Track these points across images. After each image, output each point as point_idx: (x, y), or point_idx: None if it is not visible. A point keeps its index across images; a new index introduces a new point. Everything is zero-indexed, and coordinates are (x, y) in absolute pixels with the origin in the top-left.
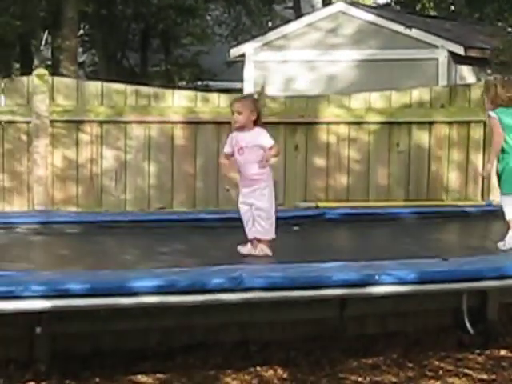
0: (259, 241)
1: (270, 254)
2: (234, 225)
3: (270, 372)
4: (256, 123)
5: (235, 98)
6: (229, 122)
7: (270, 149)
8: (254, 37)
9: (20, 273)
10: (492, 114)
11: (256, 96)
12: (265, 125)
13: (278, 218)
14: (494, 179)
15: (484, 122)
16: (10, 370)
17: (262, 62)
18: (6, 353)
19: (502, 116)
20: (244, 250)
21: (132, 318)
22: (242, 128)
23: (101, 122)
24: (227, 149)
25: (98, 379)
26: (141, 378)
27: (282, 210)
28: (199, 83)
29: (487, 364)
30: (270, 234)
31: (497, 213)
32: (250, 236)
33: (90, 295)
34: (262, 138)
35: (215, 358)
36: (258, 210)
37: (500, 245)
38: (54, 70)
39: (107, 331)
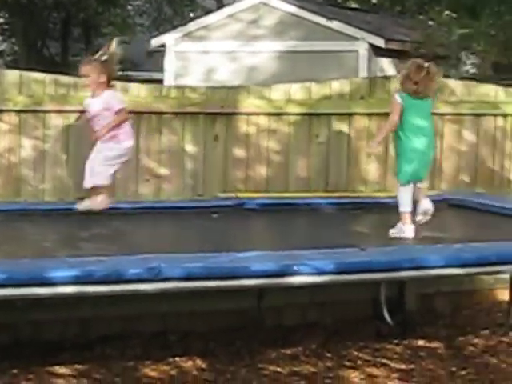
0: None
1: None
2: (150, 213)
3: (189, 363)
4: (107, 86)
5: (84, 61)
6: (149, 112)
7: (117, 113)
8: (175, 27)
9: None
10: (397, 97)
11: (105, 57)
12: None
13: (197, 207)
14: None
15: None
16: None
17: (182, 53)
18: None
19: (406, 105)
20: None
21: (50, 309)
22: (93, 92)
23: (19, 112)
24: (87, 115)
25: (15, 370)
26: (59, 369)
27: (202, 200)
28: (120, 73)
29: (405, 354)
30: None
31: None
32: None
33: (5, 285)
34: (111, 101)
35: (134, 348)
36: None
37: (390, 232)
38: None
39: (25, 322)
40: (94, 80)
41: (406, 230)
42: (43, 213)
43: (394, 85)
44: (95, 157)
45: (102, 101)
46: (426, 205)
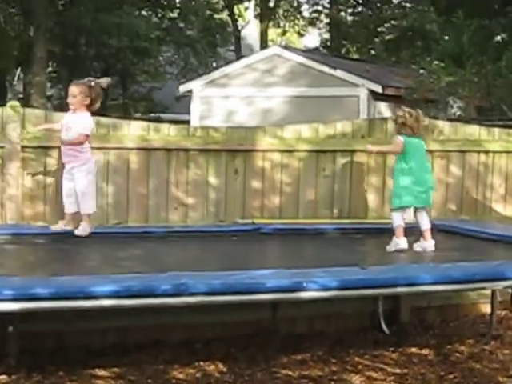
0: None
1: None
2: (178, 236)
3: (212, 366)
4: (88, 108)
5: (73, 82)
6: (178, 149)
7: (79, 135)
8: (200, 75)
9: None
10: (399, 137)
11: (92, 83)
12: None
13: (219, 232)
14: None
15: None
16: None
17: (206, 98)
18: None
19: (406, 142)
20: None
21: (92, 319)
22: (74, 110)
23: None
24: (58, 125)
25: (61, 373)
26: (99, 371)
27: (223, 225)
28: (152, 115)
29: (400, 360)
30: (92, 209)
31: (407, 229)
32: (71, 210)
33: (55, 298)
34: (82, 122)
35: (164, 354)
36: (79, 190)
37: (387, 248)
38: (26, 103)
39: (70, 330)
40: (79, 100)
41: (400, 242)
42: (86, 237)
43: (391, 125)
44: (81, 184)
45: (78, 119)
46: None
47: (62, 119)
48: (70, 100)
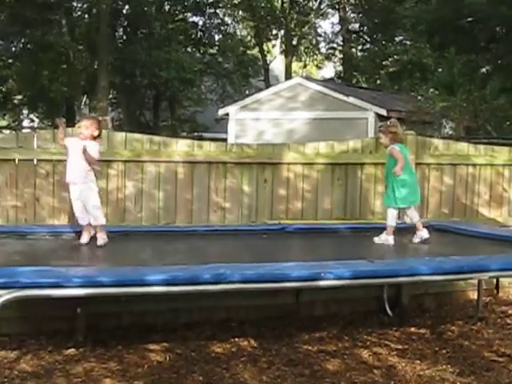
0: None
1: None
2: (217, 234)
3: (245, 342)
4: (95, 138)
5: (85, 116)
6: (217, 162)
7: (92, 157)
8: (235, 101)
9: (66, 268)
10: (396, 146)
11: (100, 119)
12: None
13: (251, 230)
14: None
15: None
16: (58, 339)
17: (240, 120)
18: (55, 327)
19: (401, 149)
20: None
21: (146, 302)
22: (84, 138)
23: (124, 161)
24: (67, 141)
25: (120, 347)
26: (151, 346)
27: (254, 225)
28: (195, 134)
29: (401, 338)
30: (103, 220)
31: (408, 228)
32: (86, 222)
33: (116, 285)
34: (93, 147)
35: (206, 332)
36: (89, 205)
37: (375, 239)
38: None
39: (127, 312)
40: (90, 133)
41: (389, 238)
42: (141, 234)
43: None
44: (87, 199)
45: (92, 146)
46: (425, 234)
47: (68, 141)
48: (82, 130)
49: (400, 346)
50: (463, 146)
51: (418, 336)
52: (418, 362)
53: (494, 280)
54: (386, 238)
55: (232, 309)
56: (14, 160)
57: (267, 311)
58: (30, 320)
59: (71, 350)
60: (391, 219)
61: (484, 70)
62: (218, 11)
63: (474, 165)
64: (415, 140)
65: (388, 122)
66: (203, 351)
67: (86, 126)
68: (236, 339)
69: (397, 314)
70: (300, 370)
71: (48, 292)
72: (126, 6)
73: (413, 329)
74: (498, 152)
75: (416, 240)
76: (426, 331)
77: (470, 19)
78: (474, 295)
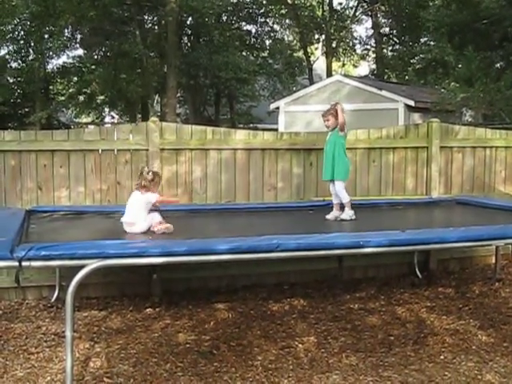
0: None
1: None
2: (271, 210)
3: (296, 302)
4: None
5: (150, 170)
6: (270, 149)
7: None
8: (284, 96)
9: (144, 241)
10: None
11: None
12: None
13: (300, 207)
14: (435, 182)
15: (427, 147)
16: (137, 301)
17: (290, 112)
18: (135, 290)
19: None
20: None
21: (210, 269)
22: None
23: (191, 150)
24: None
25: (190, 306)
26: (216, 305)
27: (303, 202)
28: (251, 125)
29: (430, 296)
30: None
31: (435, 202)
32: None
33: (186, 254)
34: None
35: (262, 293)
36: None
37: (343, 216)
38: (162, 118)
39: (196, 277)
40: (154, 191)
41: (352, 213)
42: (207, 211)
43: (421, 129)
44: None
45: (146, 197)
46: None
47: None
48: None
49: (429, 304)
50: (482, 131)
51: (444, 295)
52: (445, 317)
53: (510, 246)
54: (352, 213)
55: (283, 274)
56: (97, 150)
57: (314, 275)
58: (114, 285)
59: (149, 310)
60: (346, 194)
61: (498, 65)
62: (268, 20)
63: (491, 147)
64: (439, 127)
65: (338, 106)
66: (260, 310)
67: (149, 189)
68: (288, 299)
69: (425, 276)
70: (343, 325)
71: (128, 261)
72: (190, 18)
73: (440, 289)
74: None
75: (343, 216)
76: (451, 291)
77: (485, 21)
78: (492, 260)
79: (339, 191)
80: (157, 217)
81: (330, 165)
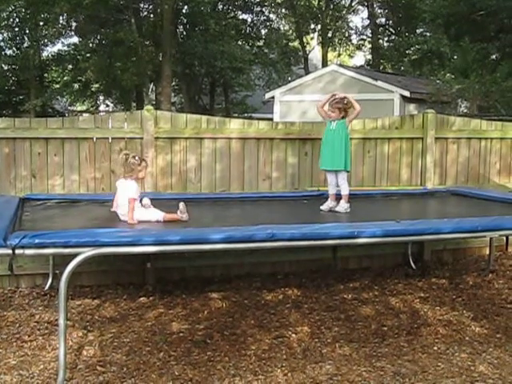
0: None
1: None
2: (266, 199)
3: (290, 291)
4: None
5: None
6: (265, 138)
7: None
8: (280, 86)
9: (138, 229)
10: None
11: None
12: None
13: (294, 196)
14: (430, 173)
15: (422, 138)
16: (131, 289)
17: (285, 102)
18: (129, 279)
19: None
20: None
21: (205, 258)
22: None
23: (186, 139)
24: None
25: (184, 296)
26: (210, 294)
27: (297, 192)
28: (246, 114)
29: (423, 287)
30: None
31: (429, 193)
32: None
33: (180, 243)
34: (131, 189)
35: (256, 283)
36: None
37: (338, 208)
38: (157, 107)
39: (190, 266)
40: (135, 177)
41: (348, 206)
42: (201, 200)
43: (417, 120)
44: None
45: (128, 187)
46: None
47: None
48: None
49: (422, 295)
50: (477, 123)
51: (438, 286)
52: (438, 308)
53: (504, 238)
54: (348, 206)
55: (278, 263)
56: (92, 138)
57: (308, 265)
58: (107, 273)
59: (143, 299)
60: (347, 186)
61: (494, 56)
62: (263, 9)
63: (486, 138)
64: (435, 117)
65: (345, 101)
66: (254, 299)
67: (130, 172)
68: (282, 289)
69: (419, 267)
70: (337, 315)
71: (122, 250)
72: (186, 7)
73: (433, 280)
74: (508, 127)
75: (338, 208)
76: (444, 282)
77: (481, 12)
78: (486, 251)
79: (342, 182)
80: (158, 213)
81: (335, 154)
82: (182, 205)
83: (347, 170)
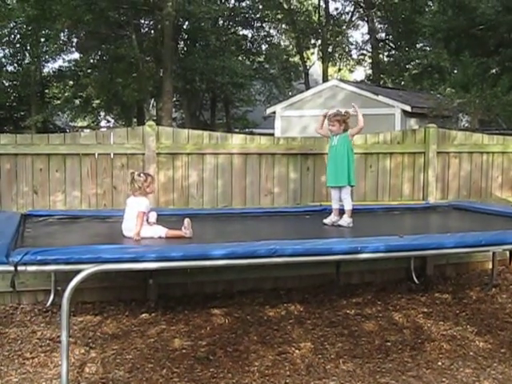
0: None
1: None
2: (268, 215)
3: (292, 307)
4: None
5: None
6: (267, 153)
7: (138, 214)
8: (280, 101)
9: (140, 245)
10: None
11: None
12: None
13: (297, 212)
14: (432, 187)
15: (423, 153)
16: (133, 306)
17: (286, 117)
18: (131, 295)
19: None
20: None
21: (207, 274)
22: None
23: (188, 154)
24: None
25: (186, 312)
26: (212, 310)
27: (299, 207)
28: (247, 130)
29: (427, 302)
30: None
31: (432, 208)
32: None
33: (182, 260)
34: (141, 205)
35: (259, 298)
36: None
37: (341, 223)
38: (158, 122)
39: (192, 282)
40: (144, 193)
41: (351, 221)
42: (203, 216)
43: (418, 135)
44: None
45: (138, 202)
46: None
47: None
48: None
49: (426, 310)
50: (479, 137)
51: (441, 301)
52: (442, 322)
53: (507, 252)
54: (351, 221)
55: (280, 279)
56: (93, 154)
57: (311, 280)
58: (109, 290)
59: (145, 315)
60: (351, 201)
61: (494, 70)
62: (264, 25)
63: (488, 153)
64: (437, 132)
65: (343, 112)
66: (257, 315)
67: (137, 191)
68: (285, 304)
69: (422, 281)
70: (340, 331)
71: (124, 266)
72: (186, 22)
73: (436, 294)
74: (509, 141)
75: (341, 222)
76: (447, 296)
77: (481, 27)
78: (488, 265)
79: (345, 197)
80: (160, 229)
81: (338, 171)
82: (187, 221)
83: (351, 185)
